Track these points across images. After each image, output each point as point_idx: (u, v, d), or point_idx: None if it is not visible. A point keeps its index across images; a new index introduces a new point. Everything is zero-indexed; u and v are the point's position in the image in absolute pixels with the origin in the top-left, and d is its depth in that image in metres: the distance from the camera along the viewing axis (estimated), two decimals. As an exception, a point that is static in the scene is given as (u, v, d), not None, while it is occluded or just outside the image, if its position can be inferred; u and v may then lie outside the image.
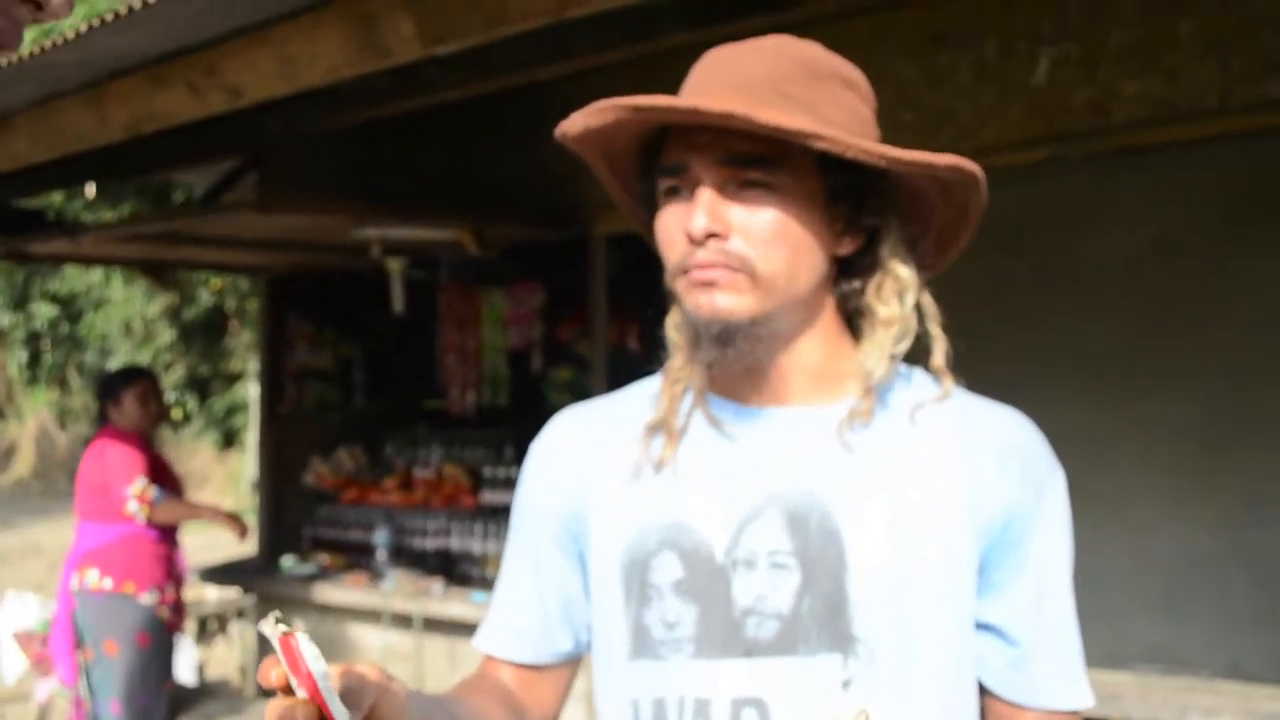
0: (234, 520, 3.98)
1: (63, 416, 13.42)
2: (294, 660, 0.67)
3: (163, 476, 3.84)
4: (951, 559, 0.98)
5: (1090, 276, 3.45)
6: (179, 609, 3.92)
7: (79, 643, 3.64)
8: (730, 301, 0.96)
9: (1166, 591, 3.44)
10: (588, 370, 4.29)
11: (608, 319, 4.14)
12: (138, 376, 3.97)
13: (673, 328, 1.08)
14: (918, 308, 1.02)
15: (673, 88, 1.02)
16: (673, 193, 0.99)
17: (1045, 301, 3.48)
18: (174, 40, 2.61)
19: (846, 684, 0.95)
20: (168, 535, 3.82)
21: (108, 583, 3.64)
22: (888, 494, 0.99)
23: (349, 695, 0.71)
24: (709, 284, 0.96)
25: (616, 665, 1.04)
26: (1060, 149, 3.05)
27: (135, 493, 3.65)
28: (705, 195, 0.95)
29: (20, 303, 12.19)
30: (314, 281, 5.15)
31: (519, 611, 1.13)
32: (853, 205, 0.99)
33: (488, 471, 4.63)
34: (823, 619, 0.96)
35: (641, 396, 1.12)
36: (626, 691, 1.03)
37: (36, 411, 13.64)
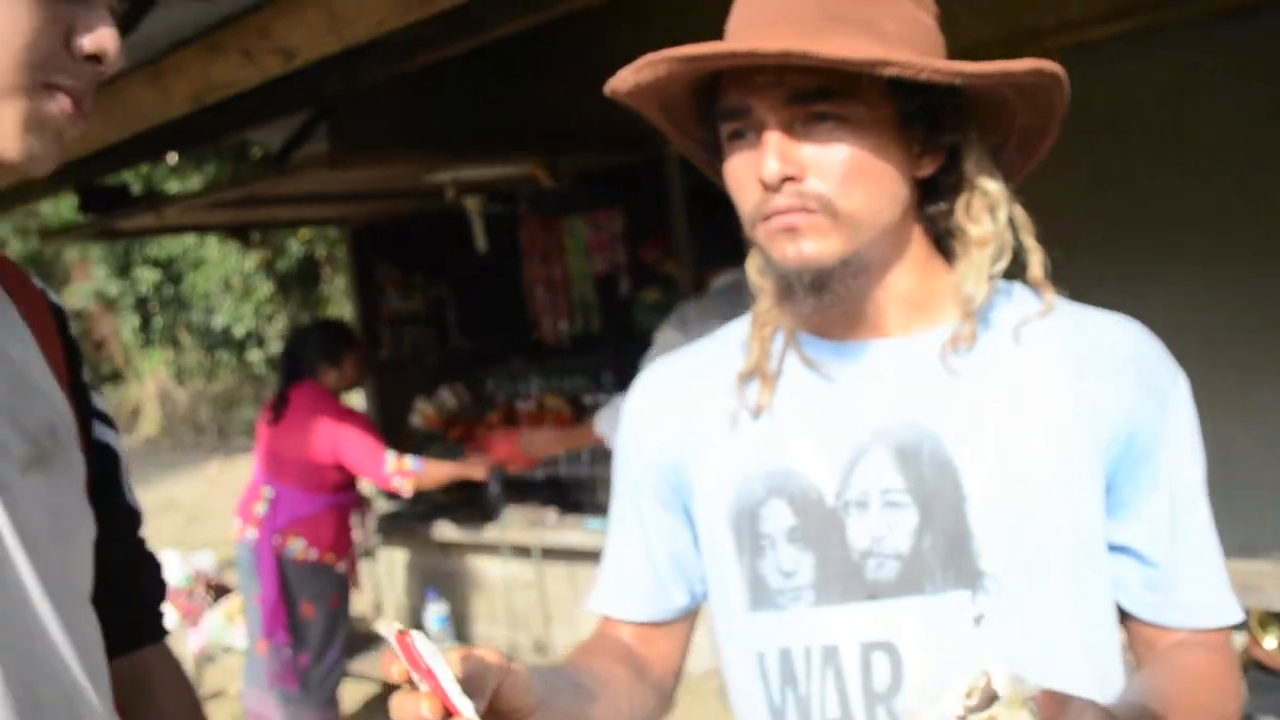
0: (487, 469, 3.93)
1: (179, 375, 13.95)
2: (412, 657, 0.67)
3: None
4: (1073, 481, 0.93)
5: (1200, 147, 3.22)
6: (356, 567, 4.02)
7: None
8: (815, 246, 0.91)
9: (1301, 471, 3.27)
10: (675, 290, 4.22)
11: (691, 235, 4.06)
12: (355, 336, 3.86)
13: (754, 270, 1.04)
14: (1010, 222, 0.97)
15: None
16: (737, 136, 0.93)
17: (1152, 179, 3.27)
18: (225, 8, 2.58)
19: (978, 620, 0.92)
20: (363, 502, 3.90)
21: (313, 554, 3.69)
22: (999, 418, 0.94)
23: (470, 683, 0.70)
24: (790, 230, 0.91)
25: (736, 617, 1.02)
26: (1155, 17, 2.81)
27: (394, 469, 3.61)
28: (773, 138, 0.90)
29: (124, 269, 12.61)
30: (397, 227, 5.17)
31: (630, 571, 1.12)
32: (928, 125, 0.93)
33: (588, 399, 4.64)
34: (945, 555, 0.93)
35: (730, 342, 1.09)
36: (750, 643, 1.01)
37: (154, 372, 14.21)
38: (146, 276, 12.47)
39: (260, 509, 3.72)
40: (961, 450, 0.94)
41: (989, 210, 0.96)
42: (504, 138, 3.95)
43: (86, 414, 1.00)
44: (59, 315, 1.00)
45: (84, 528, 0.92)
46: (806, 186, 0.90)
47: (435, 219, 4.91)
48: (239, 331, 11.86)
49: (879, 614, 0.94)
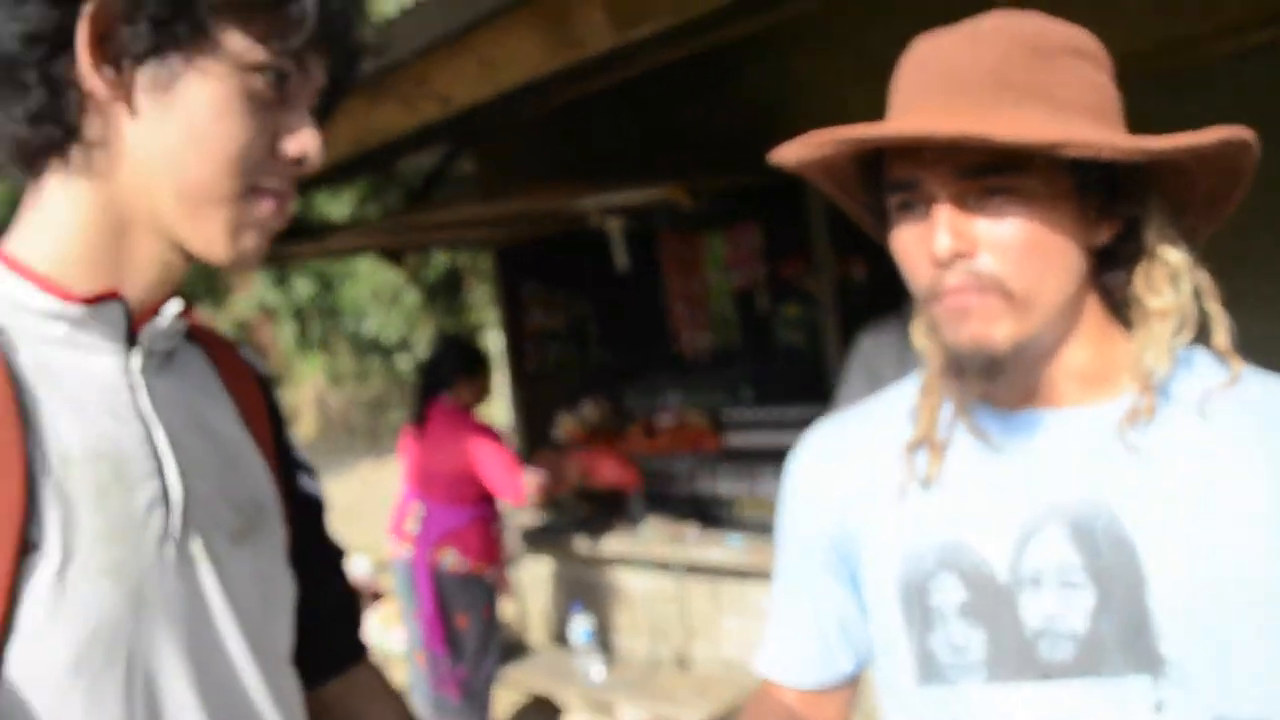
0: (579, 474, 4.10)
1: (335, 380, 14.57)
2: None
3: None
4: (1264, 564, 0.89)
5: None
6: (505, 576, 4.18)
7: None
8: (988, 331, 0.89)
9: None
10: (816, 305, 4.22)
11: (832, 252, 4.05)
12: (483, 352, 4.02)
13: (920, 334, 1.03)
14: (1194, 291, 0.92)
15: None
16: (906, 207, 0.93)
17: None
18: (387, 57, 2.72)
19: (1159, 706, 0.89)
20: (500, 512, 4.06)
21: (465, 565, 3.86)
22: (1182, 496, 0.90)
23: None
24: (963, 312, 0.90)
25: (905, 690, 1.02)
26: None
27: (533, 483, 3.78)
28: (944, 213, 0.88)
29: (282, 280, 13.23)
30: (539, 247, 5.31)
31: (797, 638, 1.14)
32: (1106, 194, 0.90)
33: (727, 414, 4.68)
34: (1124, 639, 0.90)
35: (897, 408, 1.08)
36: (919, 717, 1.01)
37: (311, 377, 14.87)
38: (303, 287, 13.07)
39: (412, 526, 3.89)
40: (1140, 529, 0.90)
41: (1170, 281, 0.92)
42: (645, 162, 4.03)
43: (291, 470, 1.09)
44: (264, 384, 1.08)
45: (286, 592, 1.00)
46: (979, 264, 0.88)
47: (576, 238, 5.02)
48: (388, 339, 12.33)
49: (1054, 695, 0.92)
